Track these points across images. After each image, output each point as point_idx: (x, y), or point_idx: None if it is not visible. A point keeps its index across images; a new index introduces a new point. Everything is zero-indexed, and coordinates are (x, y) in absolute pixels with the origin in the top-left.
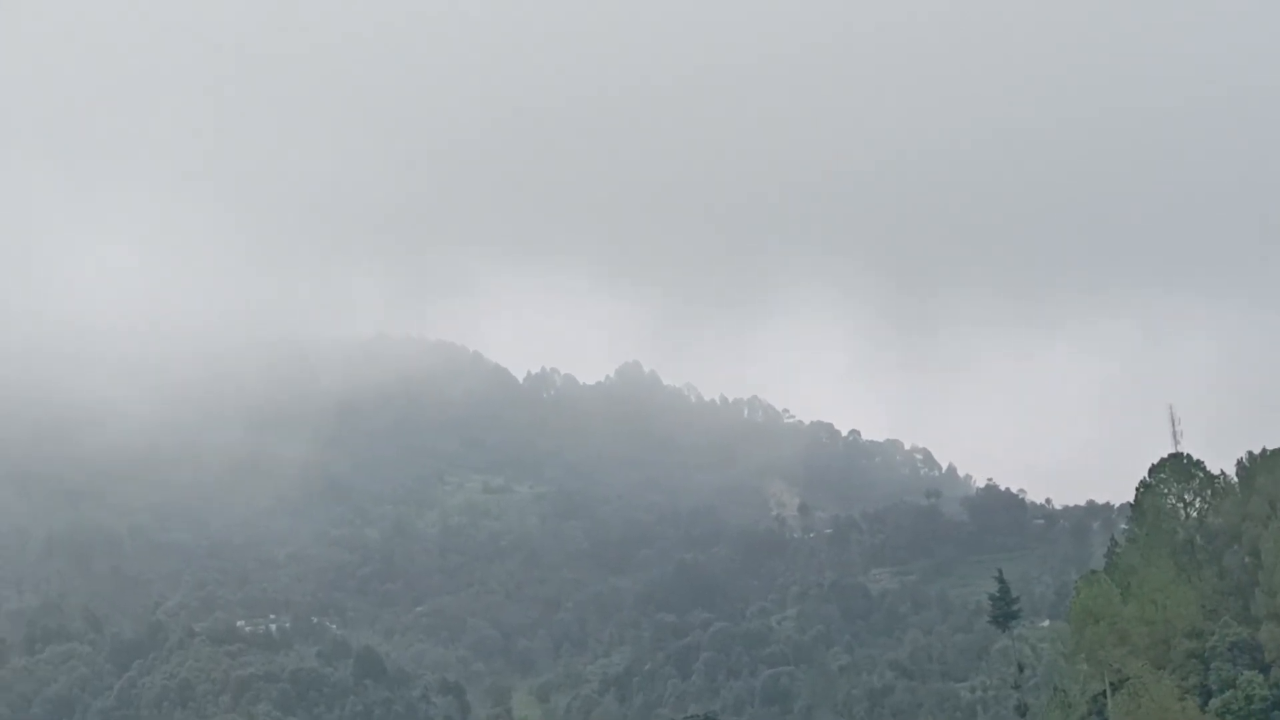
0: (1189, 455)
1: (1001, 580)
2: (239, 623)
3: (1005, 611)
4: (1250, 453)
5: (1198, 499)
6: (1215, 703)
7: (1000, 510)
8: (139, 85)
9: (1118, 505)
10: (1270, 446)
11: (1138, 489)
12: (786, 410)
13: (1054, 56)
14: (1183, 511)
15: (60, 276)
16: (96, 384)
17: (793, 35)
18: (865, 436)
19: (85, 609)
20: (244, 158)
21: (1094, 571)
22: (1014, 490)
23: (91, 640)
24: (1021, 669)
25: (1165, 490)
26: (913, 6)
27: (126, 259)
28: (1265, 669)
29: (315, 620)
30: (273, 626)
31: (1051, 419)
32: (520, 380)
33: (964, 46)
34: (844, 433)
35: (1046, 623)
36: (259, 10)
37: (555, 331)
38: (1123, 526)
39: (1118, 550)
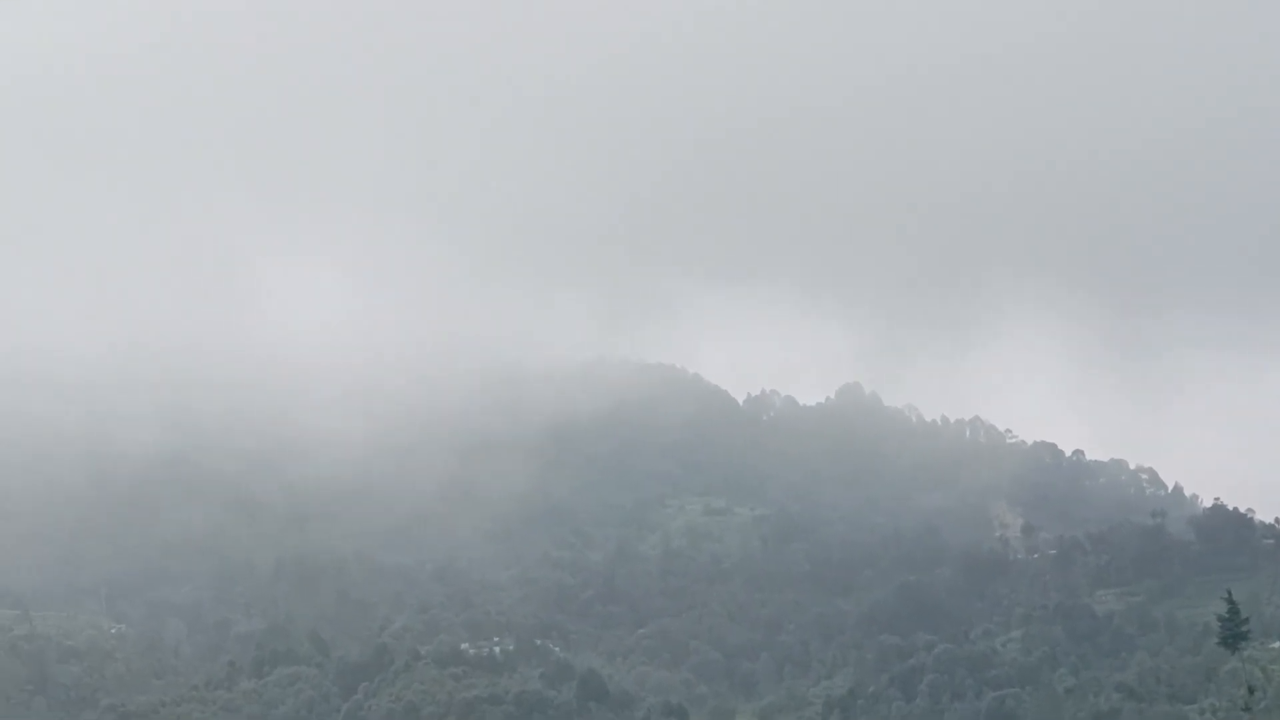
0: None
1: (1231, 601)
2: (463, 645)
3: (1235, 632)
4: None
5: None
6: None
7: (1228, 530)
8: (345, 111)
9: None
10: None
11: None
12: (1009, 430)
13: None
14: None
15: (270, 307)
16: (310, 412)
17: (1006, 44)
18: (1089, 456)
19: (312, 632)
20: (452, 181)
21: None
22: (1242, 510)
23: (318, 663)
24: (1252, 691)
25: None
26: (1122, 10)
27: (335, 287)
28: None
29: (538, 643)
30: (496, 649)
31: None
32: (740, 402)
33: (1182, 49)
34: (1067, 452)
35: (1277, 644)
36: (463, 33)
37: (768, 352)
38: None
39: None
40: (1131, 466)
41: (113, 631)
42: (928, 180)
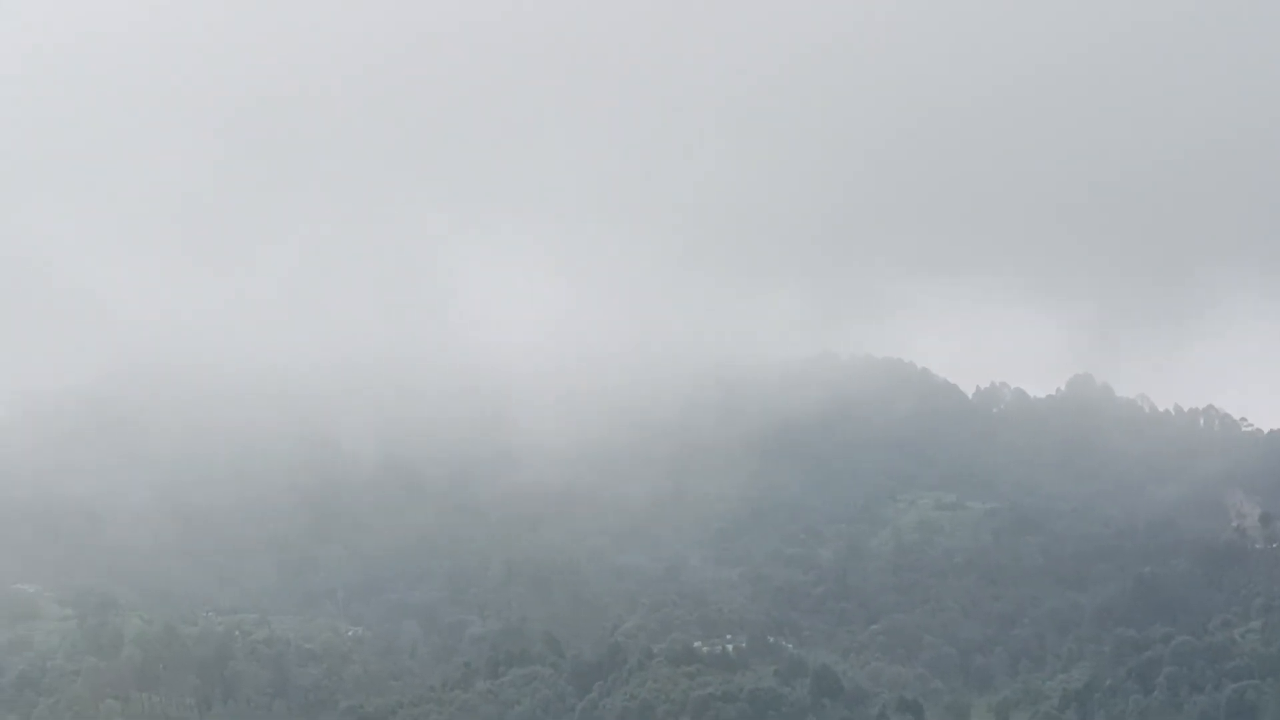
0: None
1: None
2: (696, 643)
3: None
4: None
5: None
6: None
7: None
8: (547, 113)
9: None
10: None
11: None
12: (1244, 419)
13: None
14: None
15: (482, 315)
16: (528, 416)
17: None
18: None
19: (546, 633)
20: (660, 182)
21: None
22: None
23: (553, 663)
24: None
25: None
26: None
27: (546, 292)
28: None
29: (771, 640)
30: (729, 646)
31: None
32: (969, 395)
33: None
34: None
35: None
36: (668, 33)
37: (988, 345)
38: None
39: None
40: None
41: (350, 634)
42: (1142, 168)
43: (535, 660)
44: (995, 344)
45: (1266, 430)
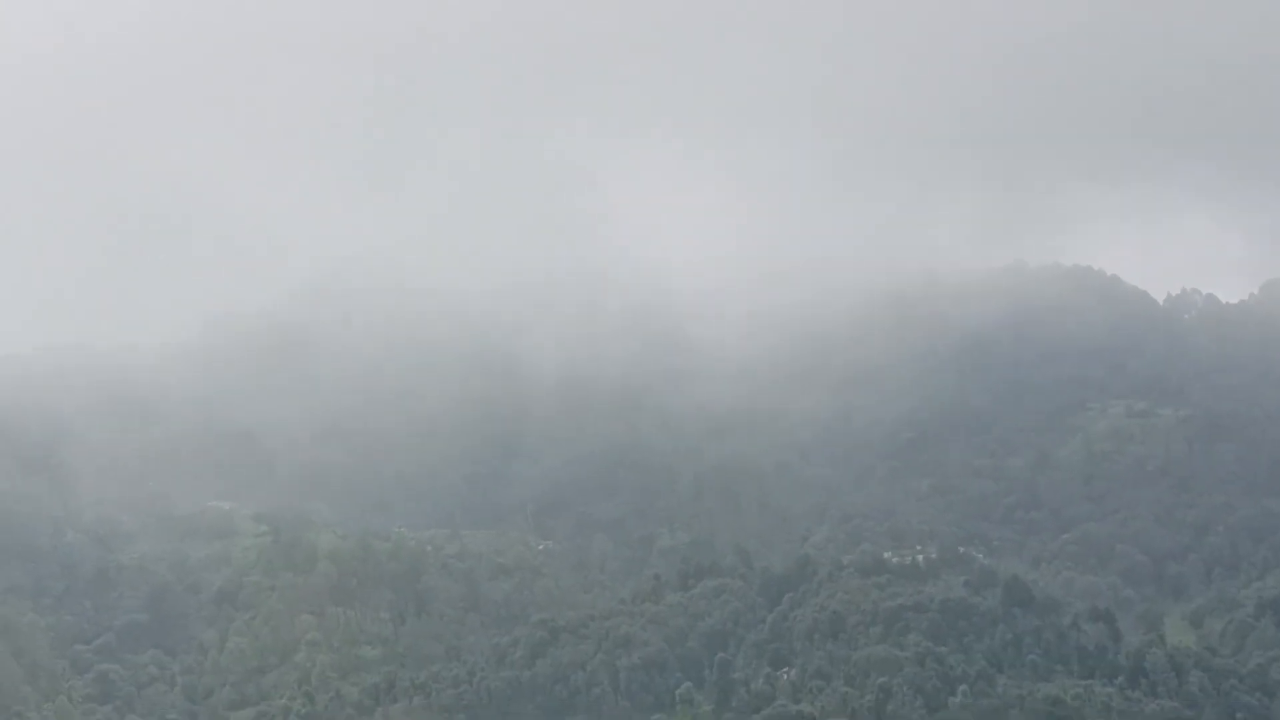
0: None
1: None
2: (886, 554)
3: None
4: None
5: None
6: None
7: None
8: (699, 25)
9: None
10: None
11: None
12: None
13: None
14: None
15: (651, 233)
16: (708, 329)
17: None
18: None
19: (736, 545)
20: (831, 89)
21: None
22: None
23: (742, 575)
24: None
25: None
26: None
27: (718, 206)
28: None
29: (961, 550)
30: (919, 557)
31: None
32: (1159, 302)
33: None
34: None
35: None
36: None
37: (1178, 252)
38: None
39: None
40: None
41: (540, 549)
42: None
43: (725, 572)
44: (1182, 252)
45: None
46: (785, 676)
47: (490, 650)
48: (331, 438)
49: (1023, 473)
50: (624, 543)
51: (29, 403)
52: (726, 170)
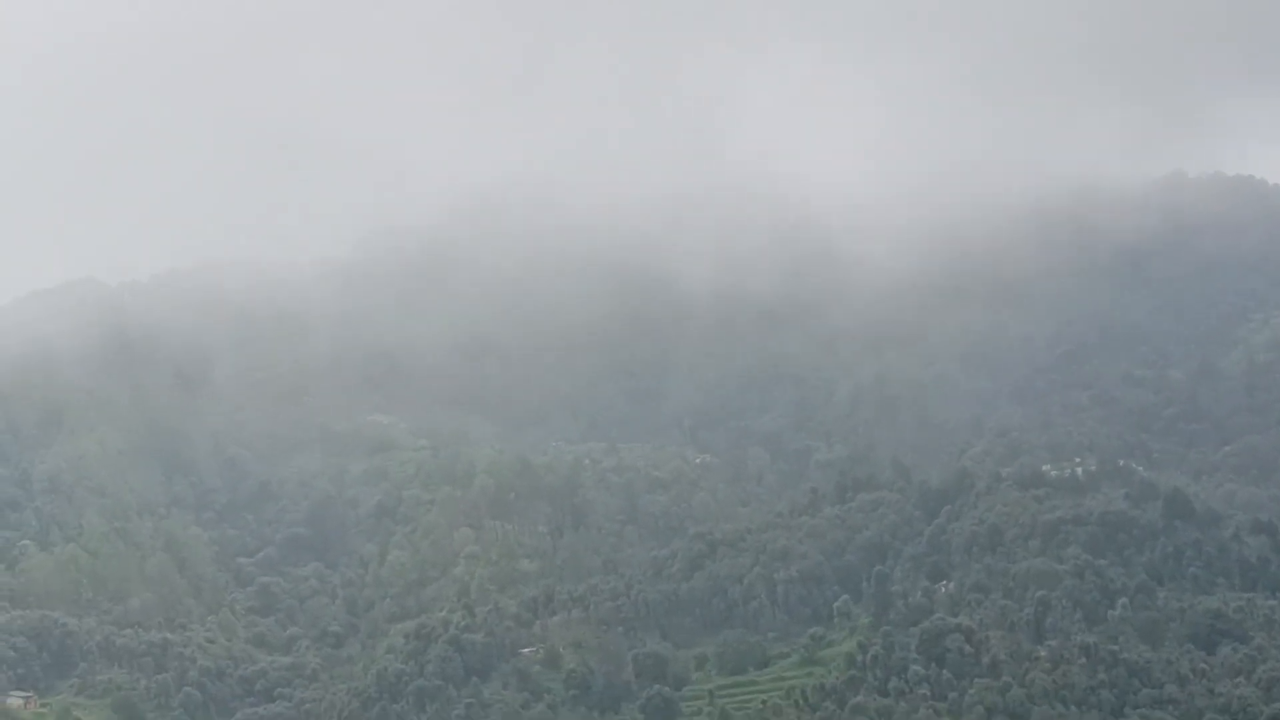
0: None
1: None
2: (1044, 467)
3: None
4: None
5: None
6: None
7: None
8: None
9: None
10: None
11: None
12: None
13: None
14: None
15: (795, 147)
16: (860, 245)
17: None
18: None
19: (893, 458)
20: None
21: None
22: None
23: (900, 488)
24: None
25: None
26: None
27: (874, 118)
28: None
29: (1121, 463)
30: (1078, 470)
31: None
32: None
33: None
34: None
35: None
36: None
37: None
38: None
39: None
40: None
41: (697, 462)
42: None
43: (882, 485)
44: None
45: None
46: (943, 589)
47: (648, 563)
48: (486, 353)
49: (1183, 384)
50: (781, 456)
51: (187, 320)
52: (870, 83)
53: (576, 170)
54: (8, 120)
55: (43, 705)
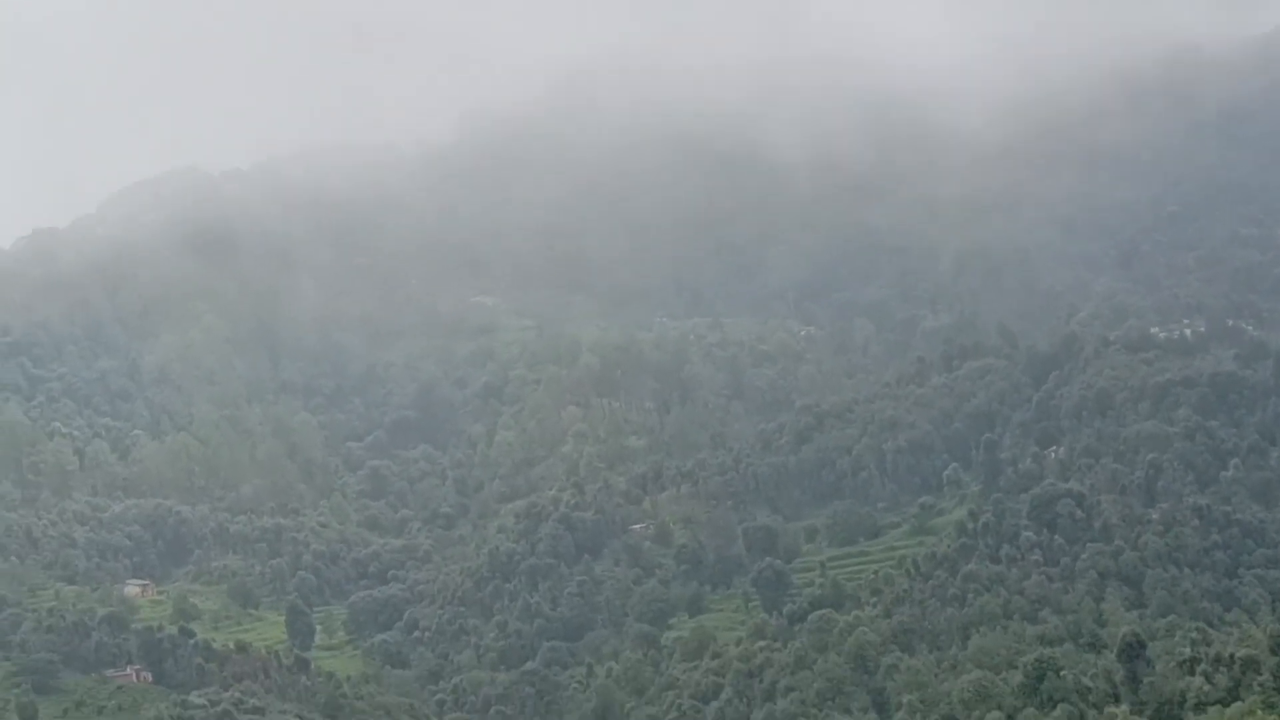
0: None
1: None
2: (1152, 329)
3: None
4: None
5: None
6: None
7: None
8: None
9: None
10: None
11: None
12: None
13: None
14: None
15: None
16: (963, 113)
17: None
18: None
19: (999, 324)
20: None
21: None
22: None
23: (1007, 355)
24: None
25: None
26: None
27: None
28: None
29: (1230, 323)
30: (1187, 331)
31: None
32: None
33: None
34: None
35: None
36: None
37: None
38: None
39: None
40: None
41: (802, 334)
42: None
43: (989, 352)
44: None
45: None
46: (1053, 455)
47: (755, 437)
48: (588, 231)
49: None
50: (886, 326)
51: (288, 207)
52: None
53: (666, 47)
54: (106, 6)
55: (159, 593)
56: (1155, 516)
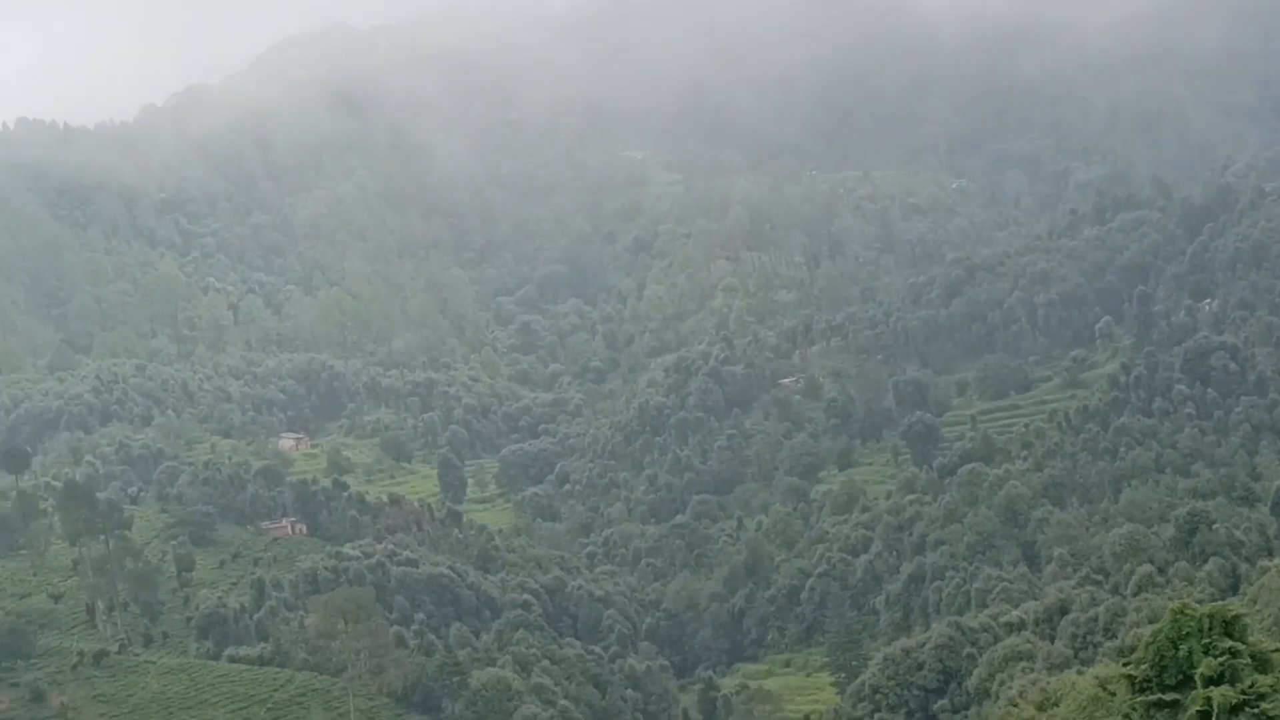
0: None
1: None
2: None
3: None
4: None
5: None
6: None
7: None
8: None
9: None
10: None
11: None
12: None
13: None
14: None
15: None
16: None
17: None
18: None
19: (1153, 176)
20: None
21: None
22: None
23: (1161, 206)
24: None
25: None
26: None
27: None
28: None
29: None
30: None
31: None
32: None
33: None
34: None
35: None
36: None
37: None
38: None
39: None
40: None
41: (953, 187)
42: None
43: (1142, 204)
44: None
45: None
46: (1207, 308)
47: (905, 290)
48: (737, 84)
49: None
50: (1038, 178)
51: (438, 59)
52: None
53: None
54: None
55: (313, 446)
56: None
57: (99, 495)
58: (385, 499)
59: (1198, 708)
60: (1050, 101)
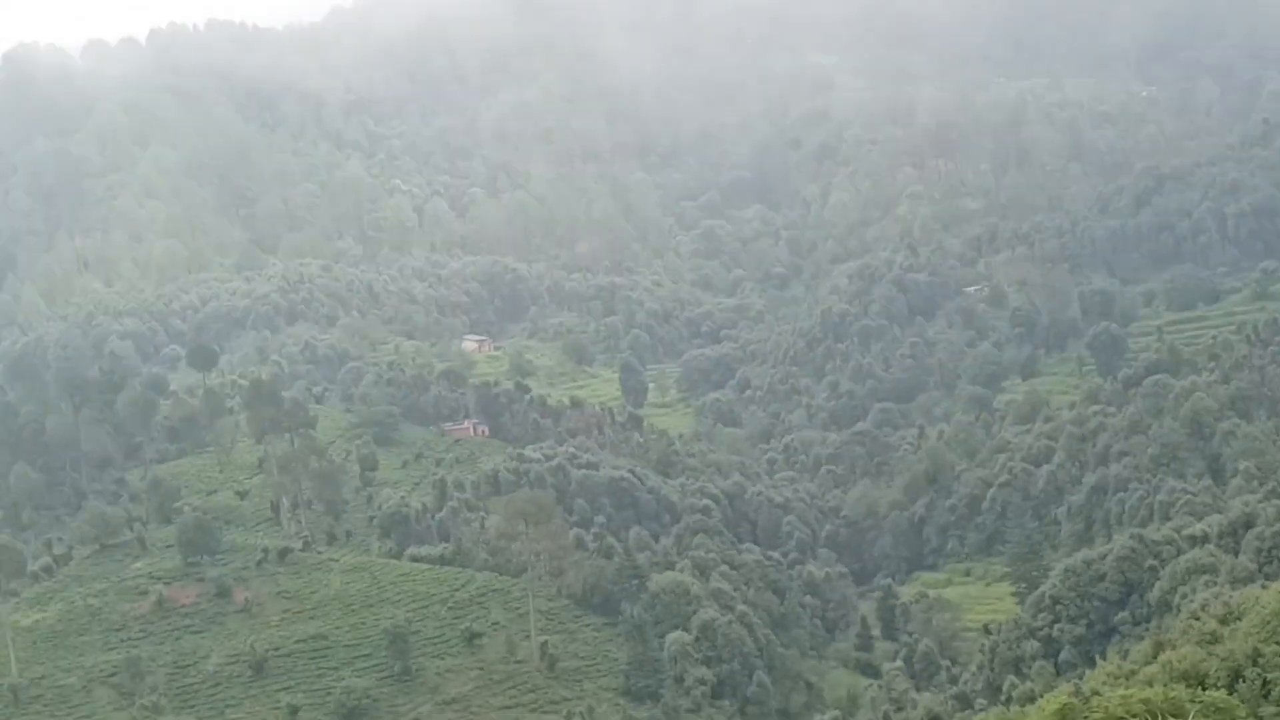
0: None
1: None
2: None
3: None
4: None
5: None
6: None
7: None
8: None
9: None
10: None
11: None
12: None
13: None
14: None
15: None
16: None
17: None
18: None
19: None
20: None
21: None
22: None
23: None
24: None
25: None
26: None
27: None
28: None
29: None
30: None
31: None
32: None
33: None
34: None
35: None
36: None
37: None
38: None
39: None
40: None
41: (1144, 95)
42: None
43: None
44: None
45: None
46: None
47: (1093, 199)
48: None
49: None
50: (1230, 87)
51: None
52: None
53: None
54: None
55: (496, 348)
56: None
57: (284, 394)
58: (567, 402)
59: None
60: (1244, 8)
